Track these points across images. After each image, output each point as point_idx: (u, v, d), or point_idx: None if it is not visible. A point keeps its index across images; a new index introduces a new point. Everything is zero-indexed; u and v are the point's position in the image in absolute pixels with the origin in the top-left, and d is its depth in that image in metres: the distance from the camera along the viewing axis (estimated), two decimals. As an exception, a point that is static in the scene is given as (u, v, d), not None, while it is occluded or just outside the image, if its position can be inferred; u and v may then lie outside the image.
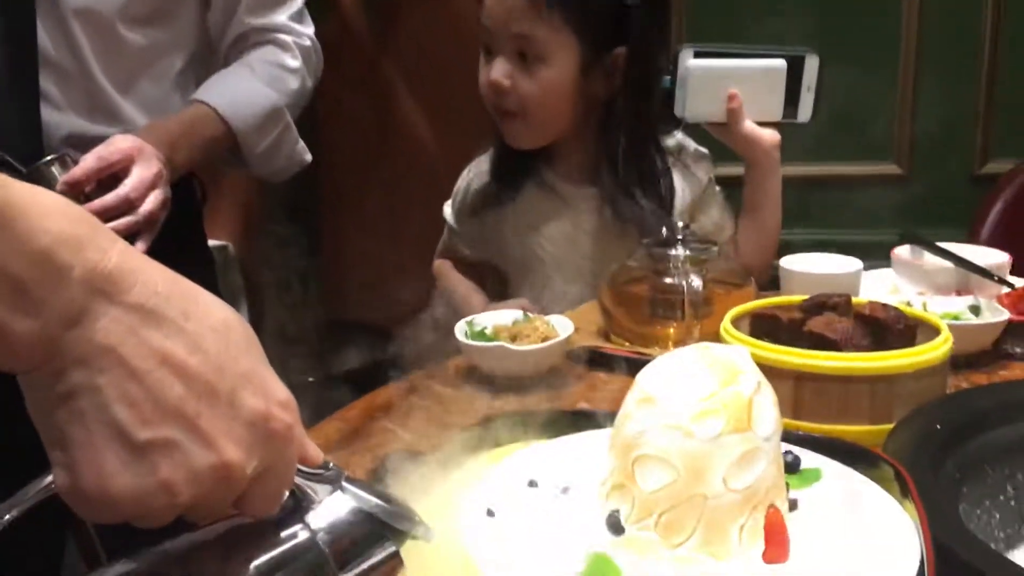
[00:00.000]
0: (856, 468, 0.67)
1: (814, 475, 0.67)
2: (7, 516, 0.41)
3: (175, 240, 1.08)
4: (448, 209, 1.54)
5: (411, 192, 2.33)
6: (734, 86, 1.34)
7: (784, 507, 0.60)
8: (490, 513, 0.62)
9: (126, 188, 1.04)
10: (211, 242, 2.28)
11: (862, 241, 1.43)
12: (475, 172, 1.51)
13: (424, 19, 2.37)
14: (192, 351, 0.42)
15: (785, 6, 2.25)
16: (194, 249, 1.31)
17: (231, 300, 2.49)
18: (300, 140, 1.30)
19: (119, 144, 1.06)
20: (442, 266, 1.55)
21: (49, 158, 1.04)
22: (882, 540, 0.59)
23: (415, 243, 2.35)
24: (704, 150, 1.48)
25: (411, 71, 2.43)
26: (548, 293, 1.39)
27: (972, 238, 1.86)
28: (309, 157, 1.33)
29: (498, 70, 1.35)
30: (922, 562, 0.55)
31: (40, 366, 0.39)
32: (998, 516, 0.78)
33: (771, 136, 1.37)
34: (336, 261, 2.65)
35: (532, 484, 0.66)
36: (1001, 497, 0.78)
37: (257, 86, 1.22)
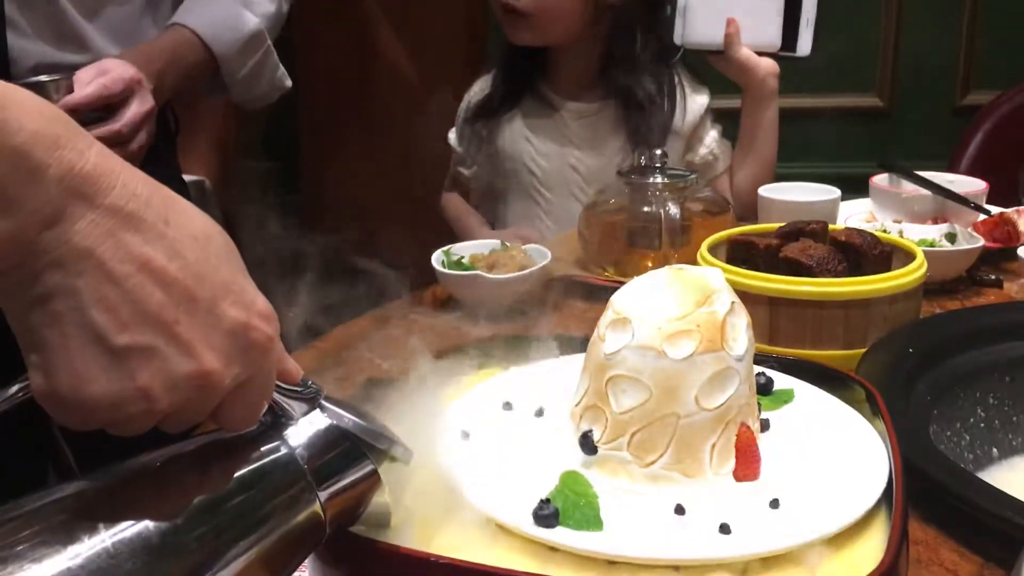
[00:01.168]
0: (828, 389, 0.68)
1: (786, 396, 0.67)
2: None
3: (148, 171, 1.06)
4: (452, 134, 1.53)
5: (391, 124, 2.30)
6: (732, 13, 1.34)
7: (756, 427, 0.61)
8: (465, 435, 0.62)
9: (120, 123, 1.02)
10: (187, 177, 2.25)
11: (843, 173, 1.43)
12: (476, 89, 1.51)
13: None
14: (172, 257, 0.41)
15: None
16: (168, 181, 1.28)
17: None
18: (280, 65, 1.27)
19: (120, 73, 1.03)
20: (449, 199, 1.55)
21: (49, 78, 1.00)
22: (852, 459, 0.59)
23: (396, 176, 2.34)
24: (702, 83, 1.48)
25: (387, -1, 2.39)
26: (538, 208, 1.40)
27: (952, 169, 1.86)
28: (289, 83, 1.30)
29: None
30: (890, 480, 0.56)
31: (15, 267, 0.38)
32: (968, 438, 0.79)
33: (768, 64, 1.37)
34: (315, 195, 2.63)
35: (507, 407, 0.66)
36: (971, 419, 0.80)
37: (236, 8, 1.19)
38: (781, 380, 0.69)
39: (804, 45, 1.38)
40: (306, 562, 0.51)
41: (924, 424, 0.73)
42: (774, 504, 0.55)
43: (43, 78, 1.00)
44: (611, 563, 0.51)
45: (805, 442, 0.62)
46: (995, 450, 0.79)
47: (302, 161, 2.62)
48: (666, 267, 0.63)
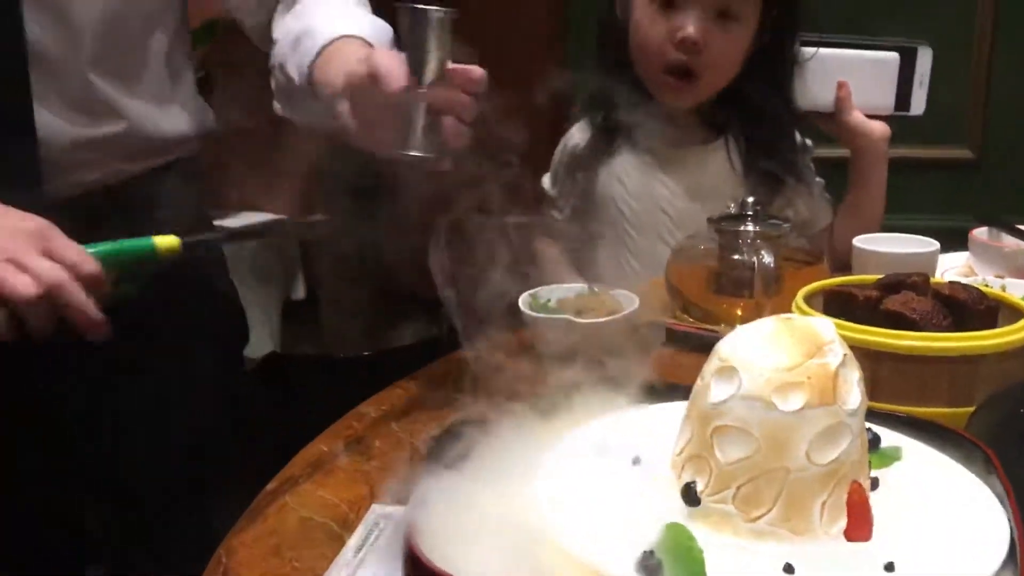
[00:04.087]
0: (937, 448, 0.66)
1: (895, 454, 0.65)
2: None
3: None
4: (546, 179, 1.53)
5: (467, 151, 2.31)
6: (845, 76, 1.33)
7: (867, 484, 0.59)
8: (561, 483, 0.61)
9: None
10: (269, 216, 2.29)
11: (934, 226, 1.39)
12: (576, 138, 1.49)
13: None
14: None
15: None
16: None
17: (288, 272, 2.48)
18: None
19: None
20: (539, 244, 1.54)
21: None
22: (968, 522, 0.57)
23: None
24: (807, 140, 1.47)
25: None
26: (625, 250, 1.39)
27: (1048, 224, 1.80)
28: None
29: (695, 27, 1.30)
30: (1012, 542, 0.54)
31: None
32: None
33: (881, 128, 1.37)
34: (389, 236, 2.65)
35: (602, 454, 0.65)
36: (1086, 484, 0.76)
37: (368, 13, 1.09)
38: (888, 437, 0.67)
39: (918, 105, 1.37)
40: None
41: (1038, 488, 0.69)
42: (889, 567, 0.52)
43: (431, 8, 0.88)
44: (719, 620, 0.50)
45: (917, 503, 0.59)
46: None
47: (381, 199, 2.65)
48: (773, 316, 0.61)
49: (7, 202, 0.82)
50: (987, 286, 1.02)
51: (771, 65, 1.36)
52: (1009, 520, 0.56)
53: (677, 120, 1.43)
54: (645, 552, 0.52)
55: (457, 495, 0.58)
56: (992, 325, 0.87)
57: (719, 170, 1.43)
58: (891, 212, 1.48)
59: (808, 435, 0.56)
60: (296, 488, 0.72)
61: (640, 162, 1.43)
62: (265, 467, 0.79)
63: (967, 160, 2.34)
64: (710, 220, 1.16)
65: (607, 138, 1.45)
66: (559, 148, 1.51)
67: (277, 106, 1.12)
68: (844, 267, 1.28)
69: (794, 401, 0.56)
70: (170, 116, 1.09)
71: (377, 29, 1.04)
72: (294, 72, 1.04)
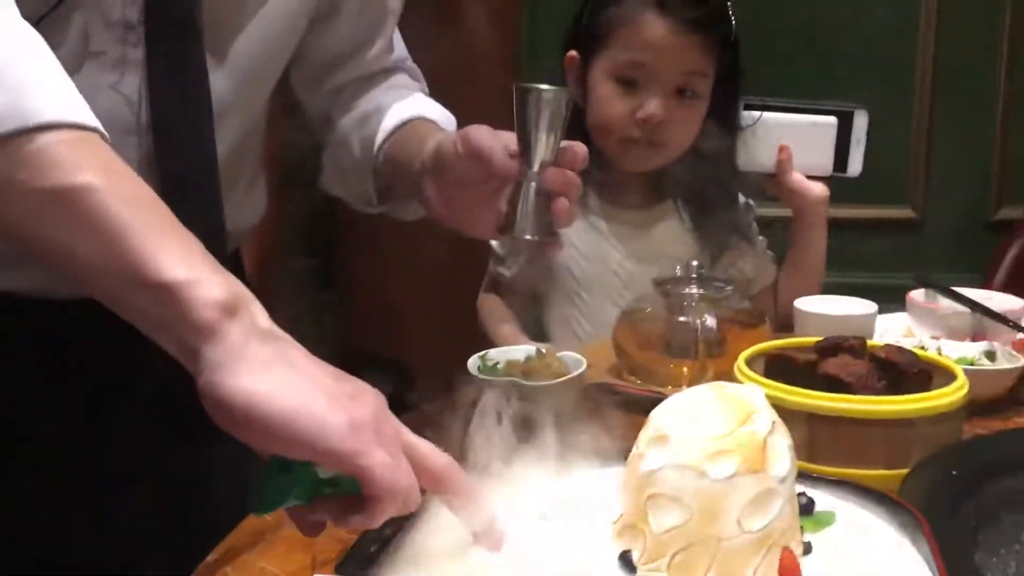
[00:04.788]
0: (871, 511, 0.67)
1: (828, 518, 0.66)
2: None
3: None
4: None
5: (427, 223, 2.33)
6: (785, 139, 1.38)
7: (798, 550, 0.60)
8: (500, 549, 0.61)
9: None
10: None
11: (876, 284, 1.43)
12: None
13: (449, 40, 2.38)
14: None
15: (792, 50, 2.27)
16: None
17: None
18: None
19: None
20: (485, 301, 1.55)
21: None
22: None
23: (431, 275, 2.36)
24: (750, 200, 1.52)
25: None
26: (575, 310, 1.40)
27: (986, 284, 1.86)
28: None
29: (657, 105, 1.36)
30: None
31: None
32: (1014, 565, 0.77)
33: (820, 190, 1.41)
34: (351, 294, 2.65)
35: (543, 518, 0.66)
36: (1016, 546, 0.77)
37: (433, 101, 1.10)
38: (823, 501, 0.68)
39: (855, 165, 1.41)
40: None
41: (970, 550, 0.71)
42: (820, 633, 0.53)
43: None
44: None
45: (850, 567, 0.61)
46: (1043, 578, 0.77)
47: (339, 257, 2.65)
48: (706, 384, 0.63)
49: None
50: (923, 348, 1.04)
51: (717, 130, 1.41)
52: None
53: (627, 184, 1.46)
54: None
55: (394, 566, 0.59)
56: (926, 388, 0.89)
57: (669, 232, 1.46)
58: (836, 270, 1.51)
59: (739, 502, 0.57)
60: (237, 559, 0.72)
61: (590, 224, 1.46)
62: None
63: (909, 220, 2.40)
64: (655, 282, 1.18)
65: None
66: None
67: (325, 182, 1.13)
68: (789, 324, 1.31)
69: (725, 468, 0.57)
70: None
71: (446, 115, 1.07)
72: (357, 148, 1.05)
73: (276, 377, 0.55)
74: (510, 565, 0.60)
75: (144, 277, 0.55)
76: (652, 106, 1.36)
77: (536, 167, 0.85)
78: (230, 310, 0.56)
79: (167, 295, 0.55)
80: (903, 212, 2.40)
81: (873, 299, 1.26)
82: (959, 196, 2.36)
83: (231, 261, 1.09)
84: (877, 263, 2.16)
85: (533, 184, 0.85)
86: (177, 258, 0.56)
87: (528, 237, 0.85)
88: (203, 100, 0.88)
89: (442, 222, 0.95)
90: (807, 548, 0.61)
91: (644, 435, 0.61)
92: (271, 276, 2.55)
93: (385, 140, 1.03)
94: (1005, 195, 2.38)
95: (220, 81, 0.90)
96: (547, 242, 0.87)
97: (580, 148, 0.87)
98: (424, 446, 0.60)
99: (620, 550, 0.59)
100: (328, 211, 2.49)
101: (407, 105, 1.05)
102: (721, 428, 0.58)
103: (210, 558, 0.73)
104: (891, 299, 1.30)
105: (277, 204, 2.41)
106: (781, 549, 0.58)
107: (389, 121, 1.03)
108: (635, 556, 0.59)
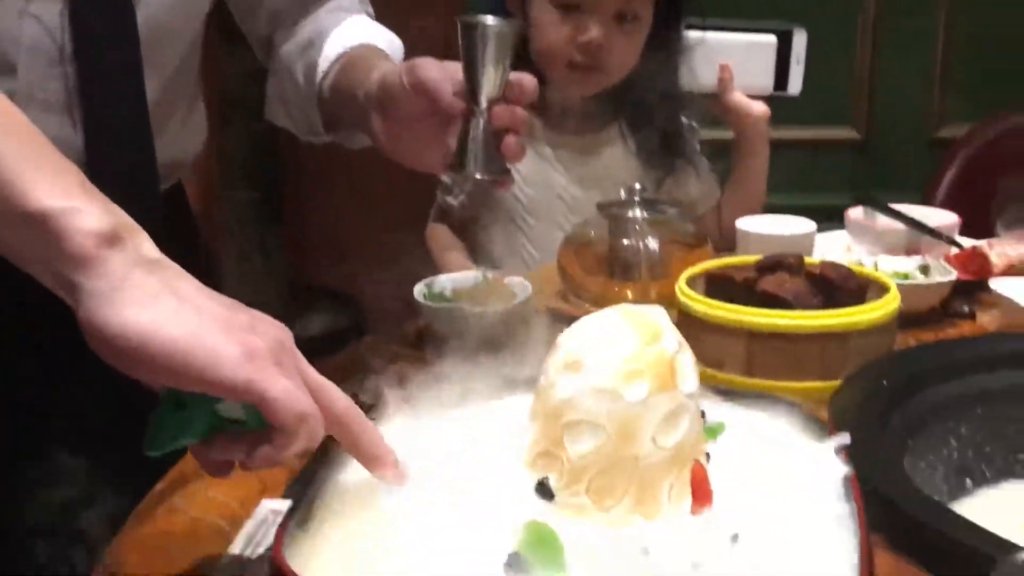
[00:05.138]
0: (771, 416, 0.69)
1: (719, 428, 0.67)
2: None
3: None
4: None
5: (375, 154, 2.31)
6: (726, 58, 1.38)
7: (705, 461, 0.61)
8: (412, 486, 0.60)
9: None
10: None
11: (820, 204, 1.45)
12: None
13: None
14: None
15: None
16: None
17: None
18: None
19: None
20: (434, 230, 1.55)
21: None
22: (802, 480, 0.60)
23: (378, 205, 2.35)
24: (693, 123, 1.52)
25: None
26: (522, 236, 1.41)
27: (927, 201, 1.89)
28: None
29: (598, 29, 1.36)
30: (848, 489, 0.57)
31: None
32: (942, 469, 0.80)
33: (761, 109, 1.42)
34: (298, 226, 2.63)
35: (452, 454, 0.64)
36: (944, 451, 0.81)
37: (381, 27, 1.06)
38: (713, 412, 0.68)
39: (795, 84, 1.42)
40: None
41: (899, 457, 0.74)
42: (735, 539, 0.55)
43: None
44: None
45: (751, 470, 0.62)
46: (968, 481, 0.80)
47: (285, 191, 2.62)
48: (613, 307, 0.63)
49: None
50: (860, 264, 1.07)
51: (660, 53, 1.41)
52: (840, 472, 0.59)
53: (571, 109, 1.45)
54: (511, 554, 0.53)
55: (327, 502, 0.59)
56: (861, 302, 0.92)
57: (613, 156, 1.47)
58: (780, 191, 1.53)
59: (653, 421, 0.57)
60: (185, 488, 0.72)
61: (536, 150, 1.45)
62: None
63: (854, 141, 2.42)
64: (599, 206, 1.19)
65: None
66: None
67: (269, 113, 1.09)
68: (733, 244, 1.32)
69: (639, 390, 0.57)
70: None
71: (392, 41, 1.04)
72: (300, 76, 1.01)
73: (162, 307, 0.52)
74: (425, 504, 0.58)
75: (15, 206, 0.52)
76: (593, 31, 1.36)
77: (484, 104, 0.82)
78: (110, 239, 0.53)
79: (41, 225, 0.52)
80: (848, 133, 2.42)
81: (818, 219, 1.28)
82: (903, 116, 2.39)
83: (173, 195, 1.07)
84: (822, 184, 2.18)
85: (482, 122, 0.82)
86: (51, 186, 0.53)
87: (478, 176, 0.83)
88: (129, 26, 0.85)
89: (389, 156, 0.93)
90: (707, 458, 0.63)
91: (554, 360, 0.61)
92: (218, 211, 2.52)
93: (329, 68, 0.99)
94: (947, 114, 2.40)
95: (149, 6, 0.88)
96: (498, 179, 0.85)
97: (529, 82, 0.84)
98: (327, 385, 0.58)
99: (536, 478, 0.59)
100: (271, 144, 2.46)
101: (351, 30, 1.02)
102: (632, 349, 0.58)
103: (158, 488, 0.73)
104: (835, 219, 1.33)
105: (221, 137, 2.37)
106: (692, 461, 0.59)
107: (332, 48, 0.99)
108: (552, 482, 0.59)
